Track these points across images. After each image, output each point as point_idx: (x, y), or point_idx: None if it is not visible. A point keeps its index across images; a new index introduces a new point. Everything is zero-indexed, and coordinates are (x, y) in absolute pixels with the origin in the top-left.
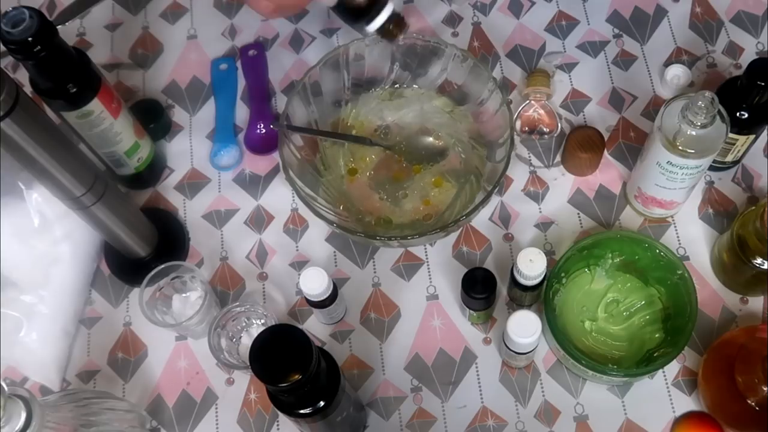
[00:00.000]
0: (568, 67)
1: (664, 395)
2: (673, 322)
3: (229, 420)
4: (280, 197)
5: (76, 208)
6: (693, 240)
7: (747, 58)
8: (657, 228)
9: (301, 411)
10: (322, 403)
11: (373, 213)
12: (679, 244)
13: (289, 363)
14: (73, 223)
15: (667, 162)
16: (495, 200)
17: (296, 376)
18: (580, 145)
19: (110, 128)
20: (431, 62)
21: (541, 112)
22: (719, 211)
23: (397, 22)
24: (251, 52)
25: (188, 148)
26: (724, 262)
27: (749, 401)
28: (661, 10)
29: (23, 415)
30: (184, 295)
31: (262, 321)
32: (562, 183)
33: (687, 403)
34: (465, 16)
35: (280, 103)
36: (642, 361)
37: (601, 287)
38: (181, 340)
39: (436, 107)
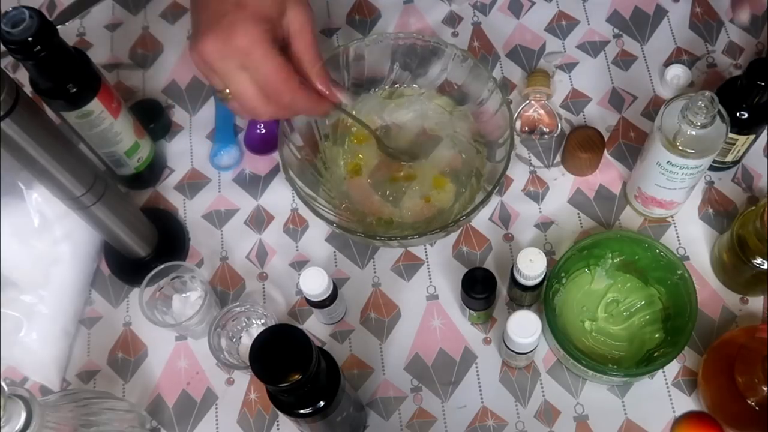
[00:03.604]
0: (568, 67)
1: (664, 395)
2: (673, 322)
3: (229, 420)
4: (280, 197)
5: (76, 208)
6: (693, 240)
7: (747, 58)
8: (657, 228)
9: (301, 411)
10: (322, 403)
11: (373, 213)
12: (679, 244)
13: (289, 363)
14: (73, 223)
15: (667, 162)
16: (495, 200)
17: (296, 376)
18: (580, 145)
19: (110, 128)
20: (431, 62)
21: (541, 112)
22: (719, 211)
23: None
24: None
25: (188, 148)
26: (724, 262)
27: (749, 401)
28: (661, 10)
29: (23, 415)
30: (184, 295)
31: (262, 321)
32: (562, 183)
33: (687, 403)
34: (465, 16)
35: None
36: (642, 361)
37: (601, 287)
38: (181, 340)
39: (436, 107)
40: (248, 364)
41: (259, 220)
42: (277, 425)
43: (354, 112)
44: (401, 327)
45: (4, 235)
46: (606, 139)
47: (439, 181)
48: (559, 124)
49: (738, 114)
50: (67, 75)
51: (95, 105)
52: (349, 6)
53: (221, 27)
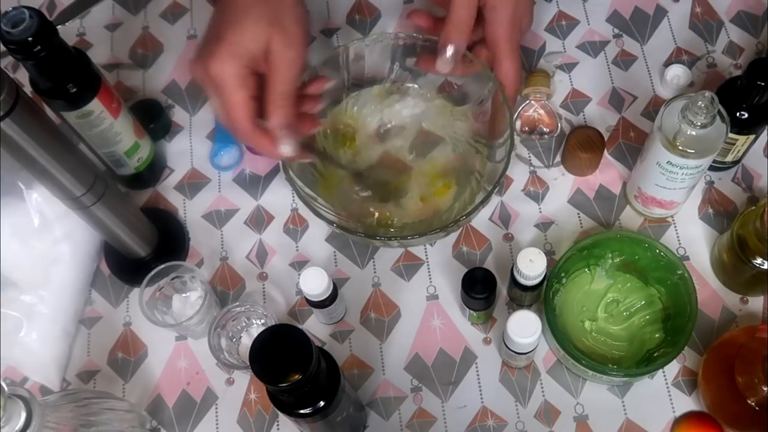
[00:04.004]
0: (568, 67)
1: (664, 395)
2: (673, 322)
3: (229, 420)
4: (280, 197)
5: (76, 208)
6: (693, 240)
7: (747, 58)
8: (657, 228)
9: (301, 411)
10: (322, 403)
11: (373, 213)
12: (679, 244)
13: (289, 363)
14: (73, 223)
15: (667, 162)
16: (495, 200)
17: (296, 376)
18: (580, 145)
19: (110, 128)
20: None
21: (541, 112)
22: (719, 211)
23: None
24: None
25: (188, 148)
26: (724, 262)
27: (749, 401)
28: (661, 10)
29: (23, 415)
30: (184, 295)
31: (262, 321)
32: (562, 183)
33: (687, 403)
34: None
35: None
36: (642, 361)
37: (601, 287)
38: (181, 340)
39: (436, 107)
40: (248, 364)
41: (259, 220)
42: (277, 425)
43: (354, 112)
44: (401, 327)
45: (4, 235)
46: (606, 139)
47: (439, 182)
48: (559, 124)
49: (738, 114)
50: (67, 75)
51: (95, 105)
52: (349, 6)
53: (204, 54)
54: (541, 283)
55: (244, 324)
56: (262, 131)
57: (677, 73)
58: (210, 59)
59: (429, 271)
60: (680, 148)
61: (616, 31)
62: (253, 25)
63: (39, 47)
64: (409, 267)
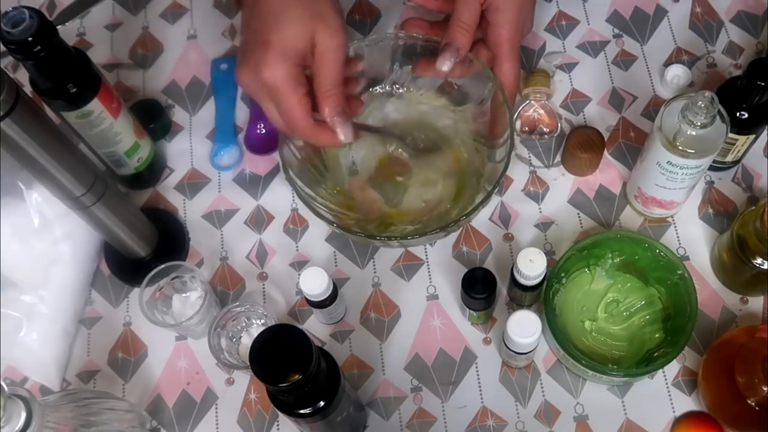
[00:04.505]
0: (568, 67)
1: (664, 395)
2: (673, 322)
3: (229, 420)
4: (280, 197)
5: (76, 208)
6: (693, 240)
7: (747, 58)
8: (657, 228)
9: (301, 411)
10: (322, 403)
11: (373, 213)
12: (679, 244)
13: (289, 363)
14: (73, 223)
15: (667, 162)
16: (495, 200)
17: (296, 376)
18: (580, 145)
19: (110, 128)
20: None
21: (541, 112)
22: (719, 211)
23: None
24: None
25: (188, 148)
26: (724, 262)
27: (749, 401)
28: (661, 10)
29: (23, 415)
30: (184, 295)
31: (262, 321)
32: (562, 183)
33: (687, 403)
34: None
35: None
36: (642, 361)
37: (601, 287)
38: (181, 340)
39: (437, 107)
40: (248, 364)
41: (259, 220)
42: (277, 425)
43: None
44: (401, 327)
45: (4, 235)
46: (606, 139)
47: (439, 182)
48: (559, 124)
49: (738, 114)
50: (67, 75)
51: (95, 105)
52: (349, 6)
53: (251, 62)
54: (541, 283)
55: (244, 324)
56: (320, 125)
57: (677, 73)
58: (260, 67)
59: (429, 271)
60: (680, 148)
61: (616, 31)
62: (296, 22)
63: (39, 47)
64: (409, 267)
